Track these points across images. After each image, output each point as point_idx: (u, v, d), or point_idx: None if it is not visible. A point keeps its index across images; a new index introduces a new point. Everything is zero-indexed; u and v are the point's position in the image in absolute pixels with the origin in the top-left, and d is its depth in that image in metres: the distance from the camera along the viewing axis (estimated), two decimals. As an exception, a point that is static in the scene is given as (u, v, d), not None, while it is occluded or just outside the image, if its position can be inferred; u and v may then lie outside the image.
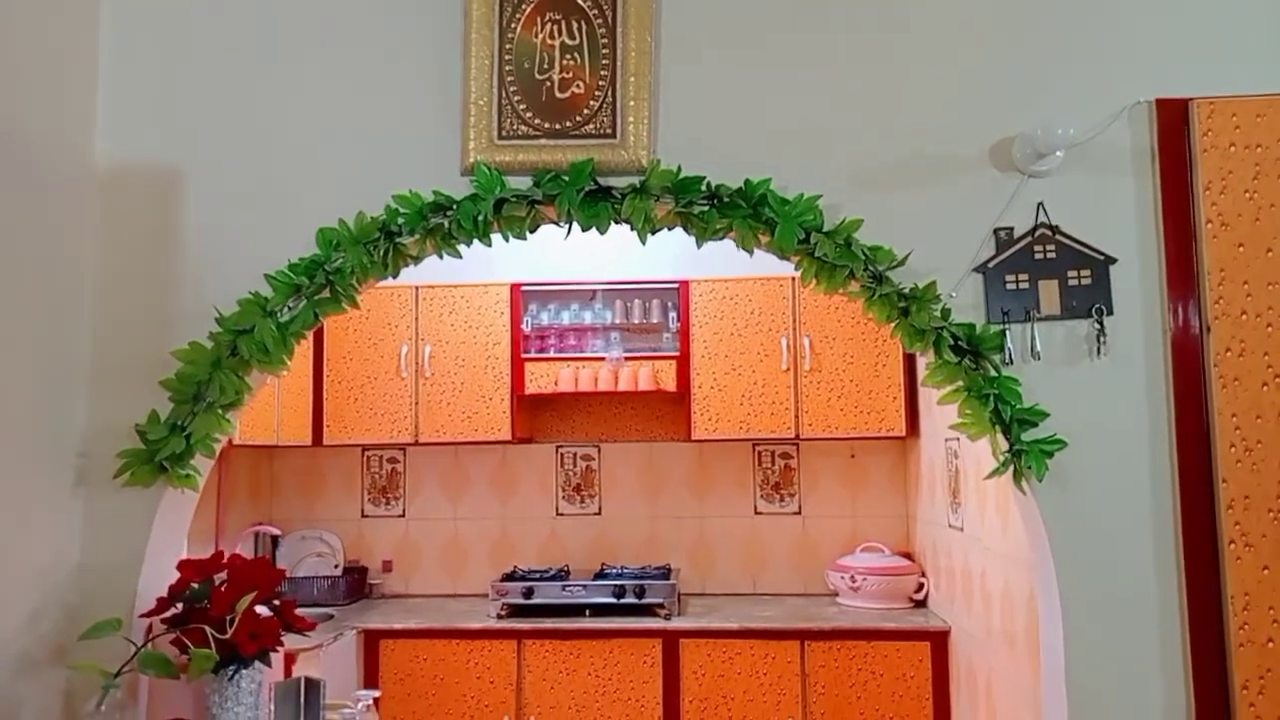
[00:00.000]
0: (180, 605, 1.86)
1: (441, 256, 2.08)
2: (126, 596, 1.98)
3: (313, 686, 1.92)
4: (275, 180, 2.12)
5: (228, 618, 1.79)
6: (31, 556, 1.89)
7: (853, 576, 3.60)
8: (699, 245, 2.05)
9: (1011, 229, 2.01)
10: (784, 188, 2.00)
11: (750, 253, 2.03)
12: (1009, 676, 2.61)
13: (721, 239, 2.03)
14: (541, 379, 3.77)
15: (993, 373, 1.95)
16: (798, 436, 3.68)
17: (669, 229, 2.06)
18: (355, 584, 3.94)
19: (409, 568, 4.07)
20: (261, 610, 1.89)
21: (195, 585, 1.86)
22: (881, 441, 3.90)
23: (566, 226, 2.05)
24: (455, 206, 2.03)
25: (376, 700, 2.08)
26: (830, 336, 3.67)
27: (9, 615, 1.82)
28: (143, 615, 1.89)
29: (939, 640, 3.28)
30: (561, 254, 3.70)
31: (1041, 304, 1.98)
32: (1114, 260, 1.98)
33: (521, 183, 2.04)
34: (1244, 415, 1.92)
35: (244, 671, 1.85)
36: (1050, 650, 2.00)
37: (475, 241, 2.05)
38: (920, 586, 3.60)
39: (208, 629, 1.78)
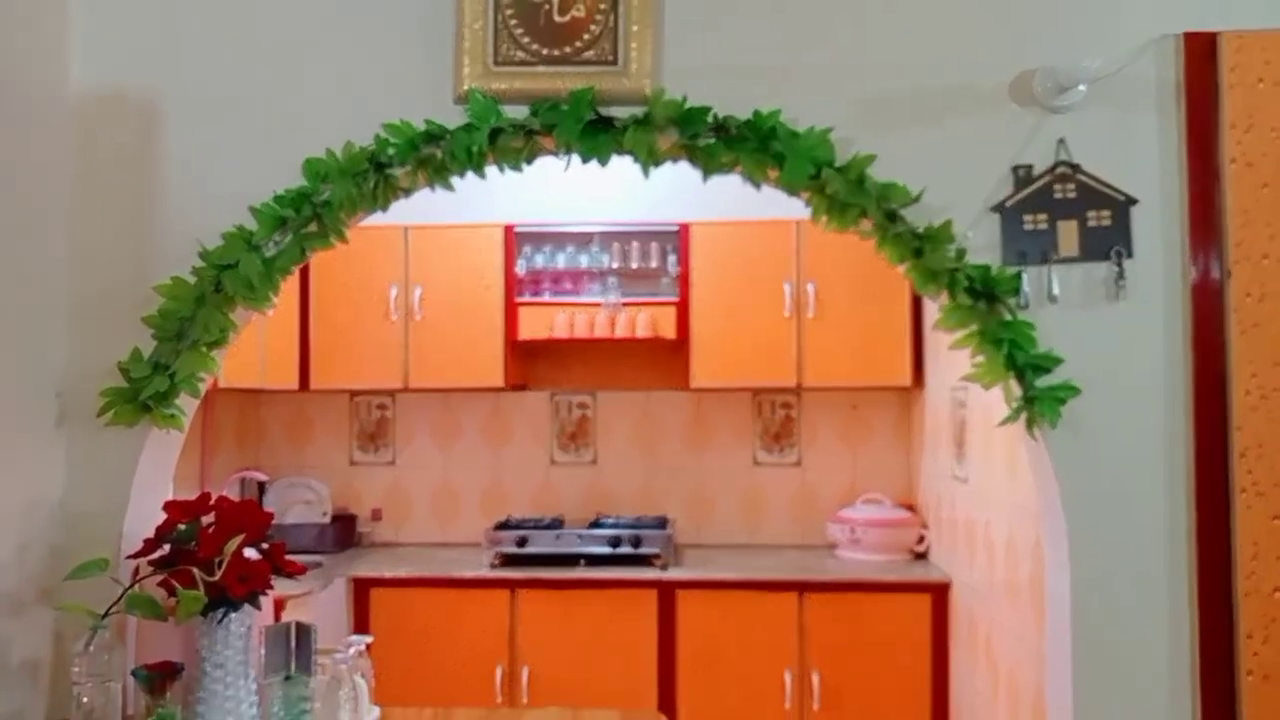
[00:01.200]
0: (167, 547, 1.80)
1: (434, 189, 1.99)
2: (112, 538, 1.93)
3: (303, 631, 1.88)
4: (259, 108, 2.01)
5: (216, 560, 1.74)
6: (13, 496, 1.83)
7: (852, 528, 3.57)
8: (704, 179, 1.96)
9: (1030, 167, 1.93)
10: (794, 120, 1.91)
11: (758, 187, 1.95)
12: (1011, 627, 2.58)
13: (728, 173, 1.95)
14: (536, 324, 3.70)
15: (1007, 317, 1.89)
16: (799, 386, 3.62)
17: (673, 161, 1.97)
18: (344, 532, 3.90)
19: (399, 516, 4.03)
20: (250, 553, 1.83)
21: (182, 526, 1.80)
22: (884, 393, 3.86)
23: (565, 159, 1.97)
24: (448, 136, 1.94)
25: (369, 646, 2.03)
26: (835, 282, 3.58)
27: (-9, 552, 1.77)
28: (129, 556, 1.84)
29: (939, 592, 3.26)
30: (557, 194, 3.62)
31: (1060, 245, 1.91)
32: (1135, 201, 1.91)
33: (518, 112, 1.95)
34: (1261, 362, 1.87)
35: (233, 615, 1.79)
36: (1056, 598, 1.97)
37: (469, 173, 1.97)
38: (921, 539, 3.57)
39: (196, 571, 1.73)
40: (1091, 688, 1.88)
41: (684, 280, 3.66)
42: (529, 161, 1.98)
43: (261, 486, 3.89)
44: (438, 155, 1.95)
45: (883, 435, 3.91)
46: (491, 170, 1.98)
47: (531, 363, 4.01)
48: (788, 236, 3.60)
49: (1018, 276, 1.89)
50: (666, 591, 3.33)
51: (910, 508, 3.75)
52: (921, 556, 3.58)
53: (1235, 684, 1.86)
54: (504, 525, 3.66)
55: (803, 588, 3.29)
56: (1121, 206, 1.91)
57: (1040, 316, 1.89)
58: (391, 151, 1.94)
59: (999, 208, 1.92)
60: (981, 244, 1.91)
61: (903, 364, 3.57)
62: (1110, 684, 1.88)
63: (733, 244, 3.63)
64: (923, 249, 1.88)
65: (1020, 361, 1.86)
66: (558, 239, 3.82)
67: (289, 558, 1.90)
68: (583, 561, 3.45)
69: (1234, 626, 1.86)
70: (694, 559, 3.59)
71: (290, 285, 3.62)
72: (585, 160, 1.95)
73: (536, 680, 3.34)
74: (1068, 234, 1.91)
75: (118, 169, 2.01)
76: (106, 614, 1.73)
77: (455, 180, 1.99)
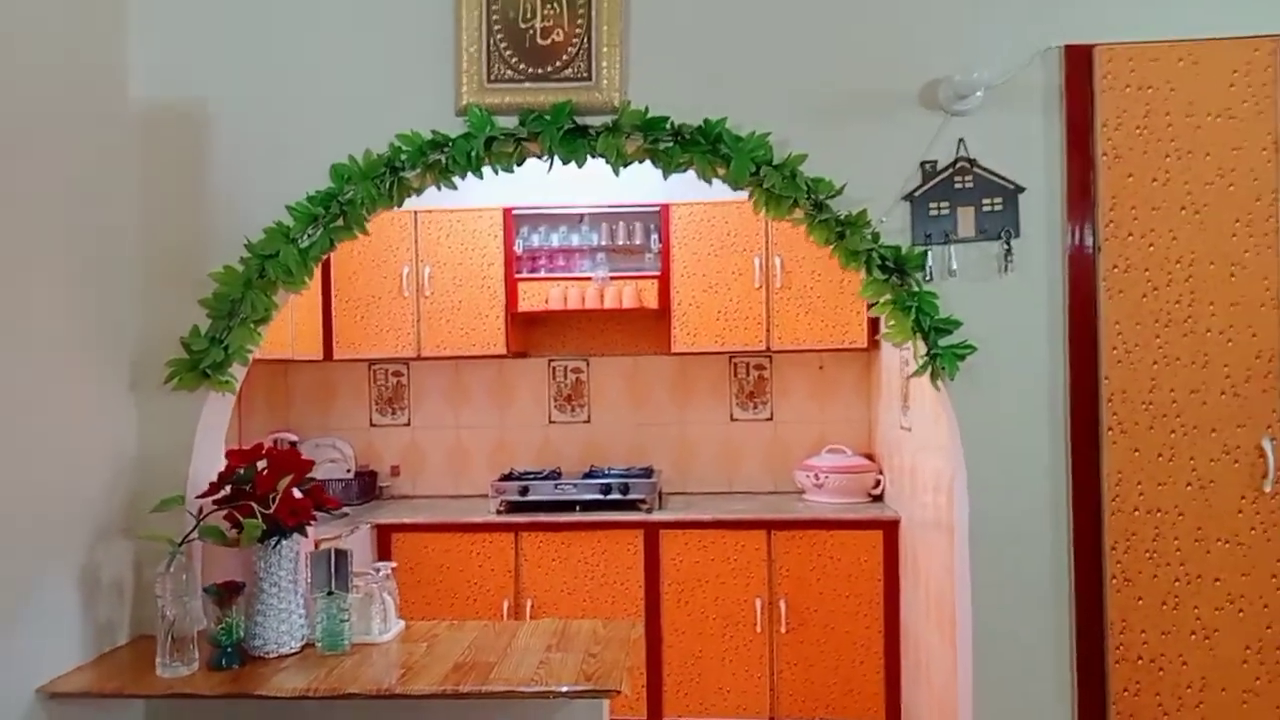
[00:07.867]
0: (229, 488, 2.20)
1: (440, 188, 2.36)
2: (180, 482, 2.30)
3: (341, 555, 2.27)
4: (292, 120, 2.37)
5: (270, 496, 2.14)
6: (99, 447, 2.22)
7: (817, 475, 3.97)
8: (665, 177, 2.33)
9: (935, 162, 2.29)
10: (738, 125, 2.26)
11: (709, 183, 2.33)
12: (936, 553, 2.99)
13: (684, 171, 2.31)
14: (533, 297, 4.08)
15: (915, 288, 2.26)
16: (769, 349, 4.01)
17: (639, 162, 2.33)
18: (367, 486, 4.32)
19: (415, 472, 4.45)
20: (295, 493, 2.23)
21: (241, 470, 2.20)
22: (848, 353, 4.23)
23: (549, 161, 2.33)
24: (451, 144, 2.29)
25: (394, 570, 2.44)
26: (800, 256, 3.95)
27: (87, 491, 2.17)
28: (199, 496, 2.22)
29: (890, 529, 3.66)
30: (551, 180, 3.97)
31: (959, 228, 2.28)
32: (1022, 189, 2.28)
33: (509, 122, 2.30)
34: (1125, 322, 2.25)
35: (285, 541, 2.17)
36: (959, 523, 2.37)
37: (469, 174, 2.34)
38: (878, 483, 3.97)
39: (255, 505, 2.13)
40: (987, 596, 2.29)
41: (665, 256, 4.03)
42: (519, 164, 2.34)
43: (293, 445, 4.30)
44: (442, 160, 2.31)
45: (846, 392, 4.30)
46: (487, 170, 2.35)
47: (530, 332, 4.40)
48: (757, 215, 3.95)
49: (924, 254, 2.27)
50: (651, 532, 3.74)
51: (869, 456, 4.15)
52: (878, 499, 3.98)
53: (1102, 587, 2.27)
54: (508, 477, 4.07)
55: (770, 526, 3.70)
56: (1011, 194, 2.28)
57: (942, 287, 2.27)
58: (404, 157, 2.31)
59: (909, 197, 2.30)
60: (894, 228, 2.29)
61: (860, 328, 3.94)
62: (1002, 591, 2.29)
63: (709, 222, 4.00)
64: (845, 232, 2.26)
65: (925, 325, 2.25)
66: (551, 220, 4.18)
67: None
68: (578, 507, 3.86)
69: (1102, 539, 2.27)
70: (676, 504, 4.00)
71: (313, 265, 4.02)
72: (565, 162, 2.32)
73: (539, 610, 3.76)
74: (966, 218, 2.29)
75: (176, 173, 2.37)
76: (183, 541, 2.13)
77: (456, 179, 2.35)
